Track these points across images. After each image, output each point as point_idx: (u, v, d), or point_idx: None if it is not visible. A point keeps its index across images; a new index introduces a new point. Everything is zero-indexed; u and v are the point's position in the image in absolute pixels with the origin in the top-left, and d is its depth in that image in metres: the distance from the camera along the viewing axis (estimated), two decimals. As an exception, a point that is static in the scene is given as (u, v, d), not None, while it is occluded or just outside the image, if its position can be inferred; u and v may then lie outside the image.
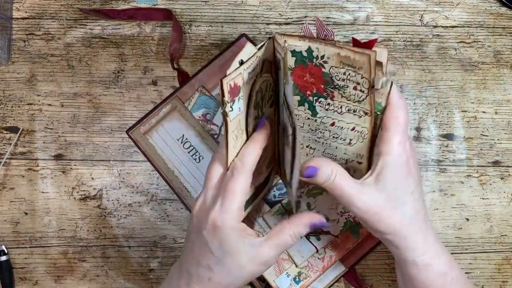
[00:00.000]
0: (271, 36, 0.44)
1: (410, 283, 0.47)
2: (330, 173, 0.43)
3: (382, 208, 0.43)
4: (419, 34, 0.62)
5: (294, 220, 0.44)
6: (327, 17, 0.62)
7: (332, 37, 0.43)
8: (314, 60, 0.44)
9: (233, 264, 0.43)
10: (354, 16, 0.62)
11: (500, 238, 0.61)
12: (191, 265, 0.44)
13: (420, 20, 0.62)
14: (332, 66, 0.43)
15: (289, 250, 0.58)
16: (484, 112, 0.62)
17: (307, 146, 0.50)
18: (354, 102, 0.44)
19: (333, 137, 0.47)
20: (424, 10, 0.62)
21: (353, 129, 0.46)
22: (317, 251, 0.58)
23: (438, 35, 0.62)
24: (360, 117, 0.44)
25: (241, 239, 0.42)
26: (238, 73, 0.41)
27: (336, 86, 0.44)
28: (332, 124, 0.46)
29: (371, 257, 0.61)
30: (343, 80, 0.43)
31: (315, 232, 0.58)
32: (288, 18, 0.62)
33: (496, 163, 0.61)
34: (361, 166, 0.48)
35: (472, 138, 0.62)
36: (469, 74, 0.62)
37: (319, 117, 0.47)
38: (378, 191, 0.43)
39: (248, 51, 0.42)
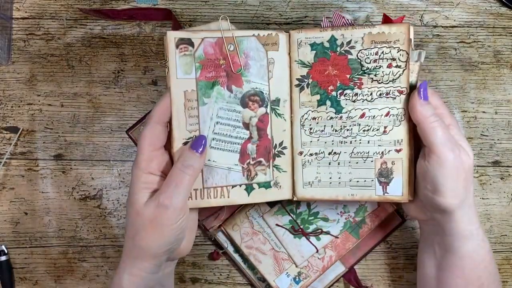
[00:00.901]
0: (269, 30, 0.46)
1: (455, 264, 0.47)
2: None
3: (455, 173, 0.45)
4: (419, 34, 0.62)
5: (176, 155, 0.46)
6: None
7: (351, 23, 0.43)
8: (339, 48, 0.44)
9: (133, 213, 0.44)
10: (354, 16, 0.62)
11: (500, 238, 0.61)
12: (125, 244, 0.46)
13: (420, 20, 0.62)
14: (360, 50, 0.43)
15: (289, 250, 0.58)
16: (484, 112, 0.62)
17: (329, 153, 0.49)
18: (387, 82, 0.44)
19: (364, 130, 0.47)
20: (424, 10, 0.62)
21: (387, 114, 0.45)
22: (317, 251, 0.58)
23: (438, 35, 0.62)
24: (395, 98, 0.44)
25: (142, 188, 0.44)
26: (196, 36, 0.43)
27: (366, 71, 0.44)
28: (362, 116, 0.46)
29: (371, 257, 0.61)
30: (375, 61, 0.43)
31: (314, 232, 0.59)
32: (288, 18, 0.62)
33: (496, 163, 0.61)
34: (400, 154, 0.47)
35: (472, 138, 0.61)
36: (469, 74, 0.62)
37: (345, 112, 0.46)
38: (454, 156, 0.45)
39: (217, 25, 0.45)
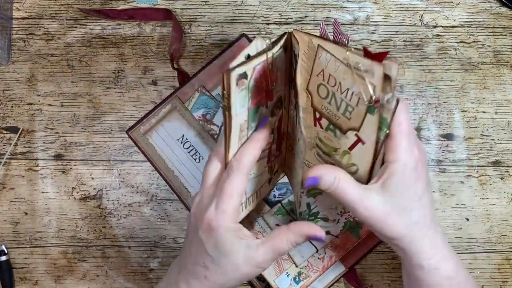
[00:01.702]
0: (285, 32, 0.43)
1: (416, 286, 0.47)
2: (333, 180, 0.43)
3: (387, 215, 0.43)
4: (419, 34, 0.62)
5: (293, 228, 0.44)
6: (327, 17, 0.62)
7: (346, 42, 0.42)
8: None
9: (228, 264, 0.43)
10: (354, 16, 0.62)
11: (500, 238, 0.61)
12: (189, 262, 0.45)
13: (420, 20, 0.62)
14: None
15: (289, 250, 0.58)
16: (484, 112, 0.62)
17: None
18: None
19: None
20: (424, 10, 0.62)
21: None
22: (317, 251, 0.58)
23: (438, 35, 0.62)
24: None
25: (237, 240, 0.42)
26: (249, 67, 0.39)
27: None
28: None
29: (371, 257, 0.61)
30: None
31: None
32: (288, 18, 0.62)
33: (496, 163, 0.61)
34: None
35: (472, 138, 0.62)
36: (469, 74, 0.62)
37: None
38: (383, 197, 0.43)
39: (255, 46, 0.40)
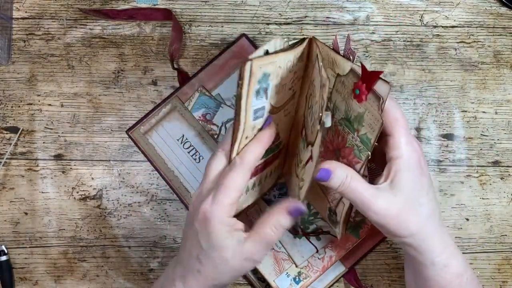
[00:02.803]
0: (306, 37, 0.43)
1: (425, 284, 0.47)
2: (345, 177, 0.42)
3: (400, 212, 0.43)
4: (419, 34, 0.62)
5: (272, 212, 0.43)
6: (327, 17, 0.62)
7: (353, 57, 0.42)
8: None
9: (219, 258, 0.42)
10: (354, 16, 0.62)
11: (500, 238, 0.61)
12: (184, 256, 0.45)
13: (420, 20, 0.62)
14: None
15: (289, 250, 0.58)
16: (484, 112, 0.62)
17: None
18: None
19: None
20: (424, 10, 0.62)
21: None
22: (317, 251, 0.58)
23: (438, 35, 0.62)
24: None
25: (229, 233, 0.42)
26: (269, 61, 0.39)
27: None
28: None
29: (371, 257, 0.61)
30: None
31: (314, 232, 0.58)
32: (288, 18, 0.62)
33: (496, 163, 0.61)
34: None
35: (472, 138, 0.62)
36: (469, 74, 0.62)
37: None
38: (394, 195, 0.43)
39: (274, 45, 0.41)
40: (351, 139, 0.44)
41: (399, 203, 0.43)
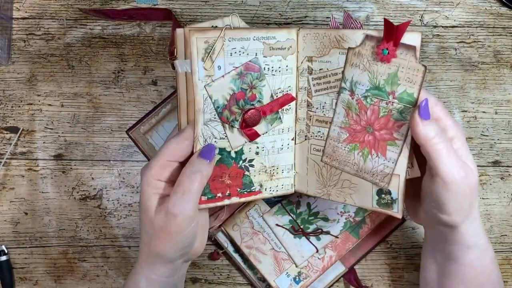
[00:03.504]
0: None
1: (459, 270, 0.47)
2: (440, 133, 0.42)
3: (464, 180, 0.42)
4: (419, 34, 0.62)
5: (189, 162, 0.44)
6: (327, 17, 0.62)
7: (360, 27, 0.43)
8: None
9: (146, 220, 0.44)
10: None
11: (500, 238, 0.61)
12: (141, 232, 0.46)
13: (420, 20, 0.62)
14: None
15: (289, 250, 0.58)
16: (484, 112, 0.62)
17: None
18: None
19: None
20: (424, 10, 0.62)
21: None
22: (317, 251, 0.58)
23: (438, 35, 0.62)
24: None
25: (154, 195, 0.43)
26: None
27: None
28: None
29: (371, 257, 0.61)
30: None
31: (314, 232, 0.58)
32: (288, 18, 0.62)
33: (496, 163, 0.61)
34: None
35: (472, 138, 0.62)
36: (469, 74, 0.62)
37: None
38: (460, 161, 0.42)
39: (229, 21, 0.44)
40: (385, 105, 0.43)
41: (462, 171, 0.42)
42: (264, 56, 0.44)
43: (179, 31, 0.42)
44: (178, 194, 0.42)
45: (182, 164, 0.44)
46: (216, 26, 0.44)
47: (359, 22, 0.43)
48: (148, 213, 0.43)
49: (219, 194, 0.46)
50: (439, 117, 0.43)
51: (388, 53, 0.41)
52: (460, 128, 0.45)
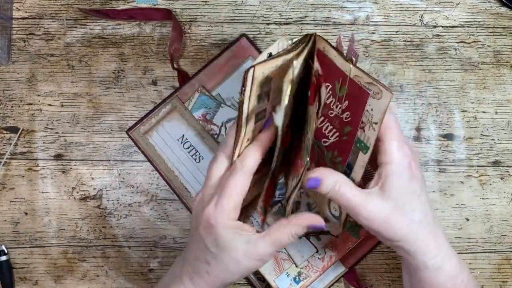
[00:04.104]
0: (307, 34, 0.41)
1: (420, 286, 0.47)
2: (334, 184, 0.43)
3: (389, 216, 0.43)
4: (419, 34, 0.62)
5: (293, 220, 0.44)
6: (327, 17, 0.62)
7: (355, 61, 0.42)
8: None
9: (230, 259, 0.43)
10: (354, 16, 0.62)
11: (500, 238, 0.61)
12: (191, 258, 0.45)
13: (420, 20, 0.62)
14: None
15: (289, 250, 0.58)
16: (484, 112, 0.62)
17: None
18: None
19: None
20: (424, 10, 0.62)
21: None
22: (317, 251, 0.58)
23: (438, 35, 0.62)
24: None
25: (237, 236, 0.42)
26: (272, 65, 0.38)
27: None
28: None
29: (371, 257, 0.61)
30: None
31: (314, 232, 0.58)
32: (288, 18, 0.62)
33: (496, 163, 0.61)
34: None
35: (472, 138, 0.62)
36: (469, 74, 0.62)
37: None
38: (384, 199, 0.43)
39: (277, 46, 0.41)
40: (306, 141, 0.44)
41: (388, 208, 0.43)
42: None
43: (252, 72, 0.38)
44: (275, 248, 0.43)
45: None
46: (271, 54, 0.40)
47: (357, 54, 0.42)
48: (235, 254, 0.43)
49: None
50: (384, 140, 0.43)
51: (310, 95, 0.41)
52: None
